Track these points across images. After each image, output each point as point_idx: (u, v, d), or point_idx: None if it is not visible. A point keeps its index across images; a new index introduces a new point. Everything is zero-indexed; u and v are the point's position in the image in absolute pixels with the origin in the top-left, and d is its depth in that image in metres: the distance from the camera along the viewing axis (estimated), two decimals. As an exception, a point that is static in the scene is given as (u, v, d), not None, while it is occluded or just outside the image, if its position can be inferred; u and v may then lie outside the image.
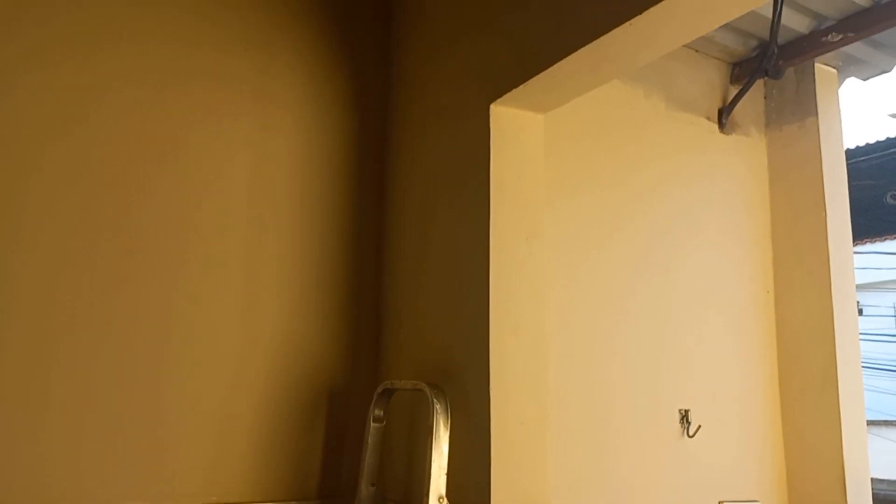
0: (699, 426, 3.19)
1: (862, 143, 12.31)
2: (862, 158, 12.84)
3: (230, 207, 2.45)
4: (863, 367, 3.60)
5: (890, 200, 13.04)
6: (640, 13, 1.79)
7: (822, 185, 3.48)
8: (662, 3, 1.73)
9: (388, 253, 2.76)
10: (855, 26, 3.23)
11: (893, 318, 13.65)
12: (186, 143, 2.40)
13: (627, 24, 1.83)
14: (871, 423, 4.63)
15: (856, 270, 3.73)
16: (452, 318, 2.36)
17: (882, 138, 12.40)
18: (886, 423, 11.29)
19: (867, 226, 13.32)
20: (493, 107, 2.30)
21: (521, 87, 2.19)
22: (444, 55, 2.59)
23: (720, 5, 1.76)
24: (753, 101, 3.77)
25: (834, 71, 3.66)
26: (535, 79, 2.14)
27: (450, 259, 2.41)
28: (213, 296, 2.36)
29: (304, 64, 2.67)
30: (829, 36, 3.30)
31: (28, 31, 2.21)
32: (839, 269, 3.45)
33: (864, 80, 3.71)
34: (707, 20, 1.84)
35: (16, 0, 2.20)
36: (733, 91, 3.68)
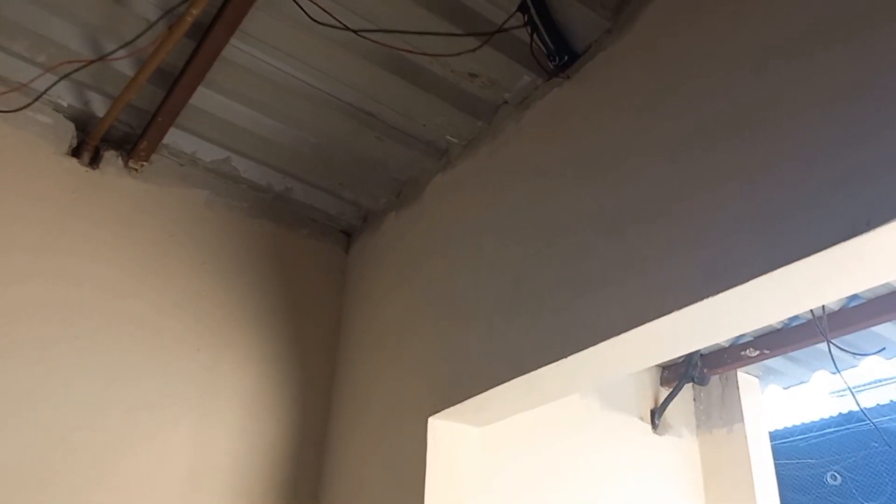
0: None
1: (798, 423, 12.57)
2: (800, 437, 13.05)
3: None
4: None
5: (831, 480, 13.11)
6: (566, 356, 1.97)
7: (754, 492, 3.56)
8: (582, 352, 1.91)
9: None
10: (770, 344, 3.51)
11: None
12: (129, 443, 2.43)
13: (554, 364, 2.00)
14: None
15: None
16: None
17: (818, 418, 12.68)
18: None
19: (811, 506, 13.19)
20: (430, 419, 2.39)
21: (458, 405, 2.30)
22: (388, 361, 2.73)
23: (634, 358, 1.95)
24: (684, 402, 3.95)
25: (756, 379, 3.90)
26: (470, 400, 2.26)
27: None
28: None
29: (251, 364, 2.78)
30: (748, 351, 3.57)
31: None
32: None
33: (785, 388, 3.95)
34: (627, 366, 2.03)
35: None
36: (664, 392, 3.87)
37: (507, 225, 2.39)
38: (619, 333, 1.84)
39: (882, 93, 1.46)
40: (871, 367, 3.81)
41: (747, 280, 1.58)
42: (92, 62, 2.39)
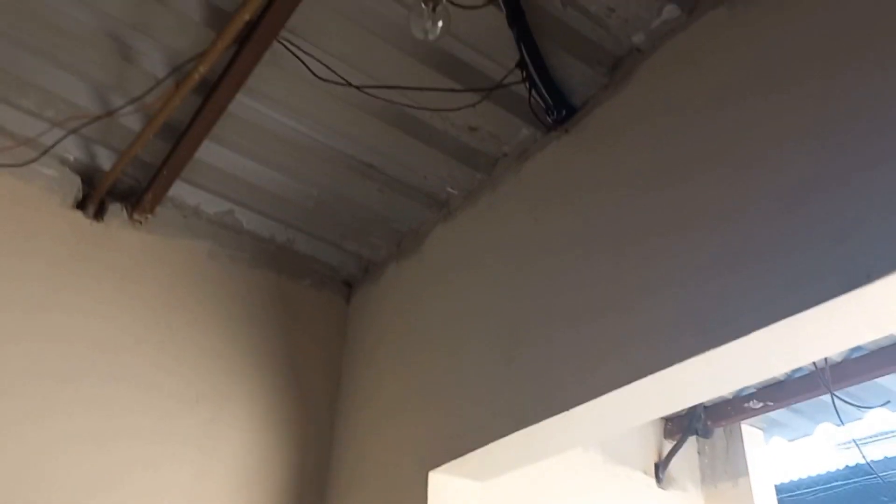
0: None
1: (805, 476, 12.35)
2: (808, 490, 12.79)
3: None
4: None
5: (840, 536, 12.79)
6: (568, 409, 1.96)
7: (761, 548, 3.49)
8: (584, 404, 1.91)
9: None
10: (773, 396, 3.48)
11: None
12: (126, 496, 2.40)
13: (556, 417, 1.99)
14: None
15: None
16: None
17: (825, 471, 12.44)
18: None
19: (820, 562, 12.83)
20: (431, 473, 2.36)
21: (459, 459, 2.28)
22: (388, 412, 2.70)
23: (637, 410, 1.94)
24: (688, 455, 3.90)
25: (760, 432, 3.86)
26: (471, 454, 2.23)
27: None
28: None
29: (252, 416, 2.76)
30: (751, 403, 3.54)
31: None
32: None
33: (790, 440, 3.90)
34: (629, 419, 2.02)
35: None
36: (668, 445, 3.82)
37: (507, 275, 2.40)
38: (620, 386, 1.84)
39: (877, 145, 1.49)
40: (876, 419, 3.77)
41: (749, 332, 1.58)
42: (99, 117, 2.43)
